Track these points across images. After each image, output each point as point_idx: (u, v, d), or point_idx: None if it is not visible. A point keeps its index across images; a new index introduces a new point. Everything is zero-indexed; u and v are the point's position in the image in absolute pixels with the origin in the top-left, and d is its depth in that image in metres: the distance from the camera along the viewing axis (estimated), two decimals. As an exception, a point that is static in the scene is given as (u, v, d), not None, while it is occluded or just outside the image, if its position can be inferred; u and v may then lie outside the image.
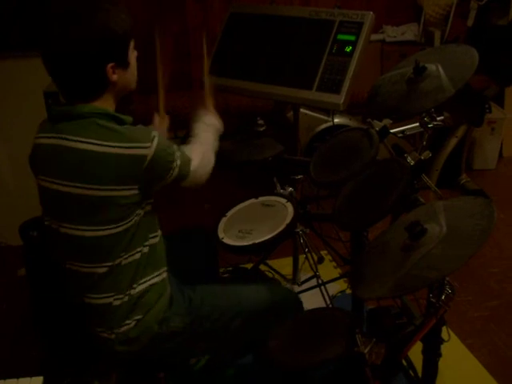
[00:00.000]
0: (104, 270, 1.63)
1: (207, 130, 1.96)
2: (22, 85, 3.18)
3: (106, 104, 1.62)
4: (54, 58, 1.56)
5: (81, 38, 1.51)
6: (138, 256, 1.66)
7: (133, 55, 1.66)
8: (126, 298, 1.67)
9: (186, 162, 1.71)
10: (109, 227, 1.58)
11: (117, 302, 1.66)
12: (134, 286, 1.68)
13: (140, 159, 1.55)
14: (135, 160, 1.54)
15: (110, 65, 1.55)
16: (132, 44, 1.64)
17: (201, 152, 1.82)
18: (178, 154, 1.67)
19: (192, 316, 1.77)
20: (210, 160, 1.86)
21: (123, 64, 1.61)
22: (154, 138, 1.58)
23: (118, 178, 1.55)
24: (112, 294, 1.66)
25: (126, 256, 1.63)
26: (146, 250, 1.68)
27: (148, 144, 1.56)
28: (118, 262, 1.63)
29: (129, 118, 1.64)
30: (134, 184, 1.57)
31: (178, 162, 1.67)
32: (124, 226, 1.59)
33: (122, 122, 1.60)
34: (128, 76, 1.65)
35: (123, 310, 1.68)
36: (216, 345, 1.84)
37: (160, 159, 1.59)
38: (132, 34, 1.63)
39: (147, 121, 1.95)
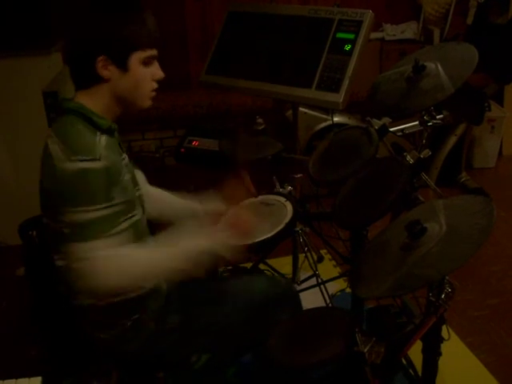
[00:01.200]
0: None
1: (176, 252, 1.58)
2: (22, 84, 3.17)
3: (96, 100, 1.61)
4: (64, 39, 1.63)
5: (84, 24, 1.57)
6: None
7: (142, 67, 1.61)
8: (116, 299, 1.66)
9: (94, 233, 1.49)
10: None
11: (93, 307, 1.65)
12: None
13: (50, 161, 1.50)
14: (49, 159, 1.51)
15: (101, 57, 1.55)
16: (142, 54, 1.60)
17: (141, 267, 1.56)
18: (98, 213, 1.50)
19: (188, 312, 1.77)
20: (125, 278, 1.53)
21: (120, 64, 1.58)
22: (80, 162, 1.48)
23: (44, 169, 1.54)
24: (89, 297, 1.64)
25: None
26: None
27: (64, 158, 1.49)
28: None
29: (105, 123, 1.62)
30: (48, 184, 1.54)
31: (88, 217, 1.48)
32: None
33: (95, 125, 1.59)
34: (126, 81, 1.61)
35: (111, 311, 1.67)
36: (214, 341, 1.83)
37: (66, 184, 1.49)
38: (144, 45, 1.60)
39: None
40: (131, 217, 1.66)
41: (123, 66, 1.59)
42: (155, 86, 1.67)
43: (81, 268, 1.48)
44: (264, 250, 2.61)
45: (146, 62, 1.62)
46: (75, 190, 1.49)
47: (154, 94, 1.69)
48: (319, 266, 2.69)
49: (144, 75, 1.63)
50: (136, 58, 1.60)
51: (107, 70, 1.58)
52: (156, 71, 1.66)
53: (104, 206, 1.53)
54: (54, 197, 1.52)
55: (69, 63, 1.62)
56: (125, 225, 1.62)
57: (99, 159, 1.52)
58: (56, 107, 1.66)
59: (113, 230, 1.55)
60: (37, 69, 3.09)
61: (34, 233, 1.84)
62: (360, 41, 2.33)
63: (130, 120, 1.69)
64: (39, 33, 3.16)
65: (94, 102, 1.61)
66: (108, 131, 1.63)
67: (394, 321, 1.67)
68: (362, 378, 1.50)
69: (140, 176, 1.86)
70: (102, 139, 1.59)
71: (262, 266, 2.80)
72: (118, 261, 1.51)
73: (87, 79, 1.60)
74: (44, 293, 1.89)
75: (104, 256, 1.48)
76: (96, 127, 1.59)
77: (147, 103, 1.69)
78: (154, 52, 1.63)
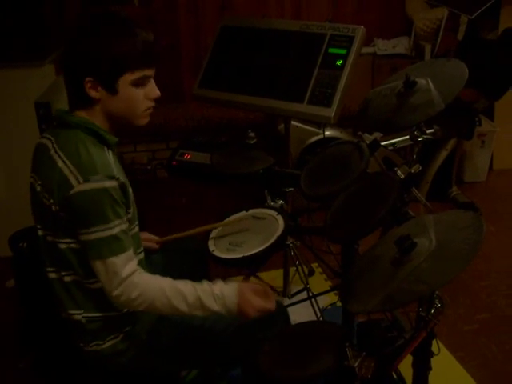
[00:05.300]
0: (69, 278, 1.63)
1: (199, 301, 1.60)
2: (15, 95, 3.17)
3: (95, 118, 1.61)
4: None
5: (73, 45, 1.58)
6: None
7: (133, 88, 1.59)
8: (110, 313, 1.66)
9: (116, 250, 1.53)
10: (64, 240, 1.59)
11: (84, 320, 1.65)
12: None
13: (67, 185, 1.51)
14: (64, 183, 1.51)
15: (88, 79, 1.55)
16: (130, 76, 1.57)
17: (157, 293, 1.57)
18: (119, 228, 1.54)
19: (182, 327, 1.77)
20: (146, 303, 1.58)
21: (108, 87, 1.57)
22: (92, 182, 1.49)
23: (58, 193, 1.54)
24: (80, 311, 1.65)
25: (91, 281, 1.62)
26: None
27: (81, 179, 1.49)
28: (82, 281, 1.63)
29: (113, 139, 1.63)
30: (62, 209, 1.54)
31: (106, 234, 1.51)
32: (74, 245, 1.59)
33: (104, 141, 1.60)
34: (117, 102, 1.59)
35: (100, 327, 1.67)
36: (206, 357, 1.83)
37: (82, 207, 1.50)
38: (133, 67, 1.57)
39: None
40: (132, 229, 1.67)
41: (111, 89, 1.57)
42: (150, 104, 1.66)
43: (108, 284, 1.54)
44: (255, 263, 2.61)
45: (137, 83, 1.60)
46: (100, 208, 1.51)
47: (149, 111, 1.68)
48: (310, 279, 2.69)
49: (135, 96, 1.61)
50: (125, 80, 1.57)
51: (96, 91, 1.57)
52: (151, 90, 1.64)
53: (123, 220, 1.56)
54: (75, 218, 1.53)
55: (64, 83, 1.63)
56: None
57: (115, 177, 1.53)
58: (54, 119, 1.66)
59: (129, 243, 1.58)
60: (30, 79, 3.09)
61: (25, 244, 1.84)
62: (352, 56, 2.34)
63: (122, 132, 1.69)
64: (33, 44, 3.17)
65: (93, 119, 1.61)
66: (112, 146, 1.64)
67: (385, 335, 1.67)
68: (352, 393, 1.50)
69: None
70: (110, 155, 1.60)
71: (253, 280, 2.80)
72: (148, 289, 1.57)
73: (80, 99, 1.60)
74: (34, 305, 1.88)
75: (137, 281, 1.55)
76: (103, 143, 1.60)
77: (143, 121, 1.68)
78: (145, 72, 1.60)
